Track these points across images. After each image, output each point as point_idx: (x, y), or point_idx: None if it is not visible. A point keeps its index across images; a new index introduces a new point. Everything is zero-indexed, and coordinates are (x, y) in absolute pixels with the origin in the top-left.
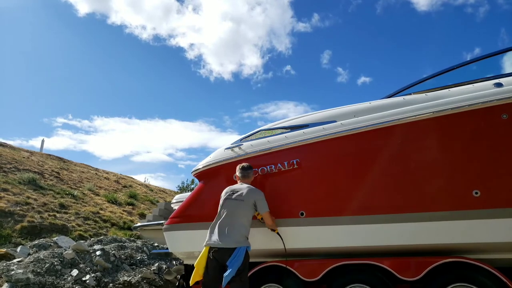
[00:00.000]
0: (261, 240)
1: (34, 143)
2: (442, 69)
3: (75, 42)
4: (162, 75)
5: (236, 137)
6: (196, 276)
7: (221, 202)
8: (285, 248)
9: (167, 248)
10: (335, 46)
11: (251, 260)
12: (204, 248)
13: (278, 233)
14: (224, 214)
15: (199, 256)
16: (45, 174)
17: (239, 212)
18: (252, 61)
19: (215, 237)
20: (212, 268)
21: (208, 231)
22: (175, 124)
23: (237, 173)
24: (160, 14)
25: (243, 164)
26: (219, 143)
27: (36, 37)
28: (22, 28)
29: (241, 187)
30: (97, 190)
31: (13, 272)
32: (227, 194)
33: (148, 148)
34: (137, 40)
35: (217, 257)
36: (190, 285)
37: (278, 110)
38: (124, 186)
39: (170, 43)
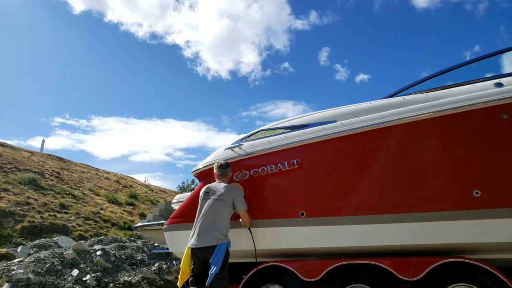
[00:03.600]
0: (261, 240)
1: (32, 143)
2: (441, 67)
3: (71, 41)
4: (159, 74)
5: (234, 136)
6: (184, 276)
7: (200, 202)
8: (255, 248)
9: (167, 248)
10: (333, 43)
11: (251, 260)
12: (187, 248)
13: (250, 230)
14: (204, 214)
15: (183, 258)
16: (46, 174)
17: (219, 211)
18: (250, 59)
19: (197, 237)
20: (196, 266)
21: (191, 231)
22: (173, 124)
23: (215, 171)
24: (157, 12)
25: (220, 162)
26: (217, 142)
27: (32, 35)
28: (17, 27)
29: (219, 186)
30: (97, 190)
31: (13, 272)
32: (205, 194)
33: (147, 147)
34: (133, 38)
35: (200, 256)
36: (179, 287)
37: (276, 110)
38: (125, 186)
39: (166, 40)
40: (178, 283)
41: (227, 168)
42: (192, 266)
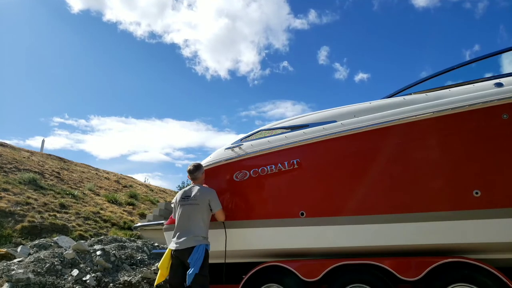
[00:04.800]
0: (261, 240)
1: (31, 143)
2: (441, 66)
3: (70, 40)
4: (158, 73)
5: (233, 136)
6: (160, 277)
7: (176, 207)
8: (225, 249)
9: (167, 248)
10: (332, 42)
11: (252, 260)
12: (167, 250)
13: (225, 229)
14: (182, 219)
15: (162, 259)
16: (46, 174)
17: (195, 215)
18: (249, 58)
19: (176, 240)
20: (176, 266)
21: (172, 235)
22: (172, 124)
23: (188, 176)
24: (155, 11)
25: (189, 167)
26: (216, 142)
27: (30, 35)
28: (15, 26)
29: (193, 189)
30: (97, 190)
31: (13, 272)
32: (182, 199)
33: (146, 147)
34: (132, 37)
35: (179, 256)
36: (155, 286)
37: (275, 109)
38: (125, 186)
39: (165, 39)
40: (154, 283)
41: (195, 172)
42: (169, 268)
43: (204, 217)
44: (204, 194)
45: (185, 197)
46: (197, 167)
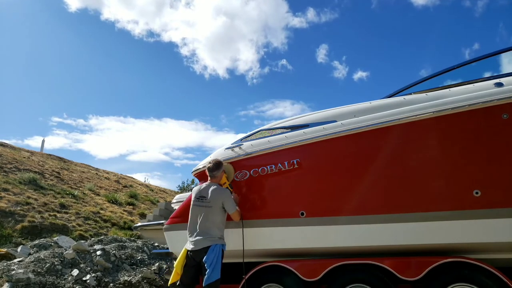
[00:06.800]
0: (262, 240)
1: (30, 143)
2: (440, 65)
3: (68, 39)
4: (156, 72)
5: (232, 136)
6: (175, 276)
7: (191, 207)
8: (243, 249)
9: (167, 248)
10: (331, 40)
11: (251, 260)
12: (183, 249)
13: (242, 230)
14: (196, 220)
15: (178, 258)
16: (46, 174)
17: (209, 217)
18: (248, 57)
19: (192, 241)
20: (190, 266)
21: (187, 235)
22: (171, 123)
23: (207, 173)
24: (153, 9)
25: (209, 165)
26: (215, 142)
27: (27, 34)
28: (12, 25)
29: (208, 190)
30: (97, 190)
31: (13, 272)
32: (196, 199)
33: (144, 147)
34: (130, 36)
35: (194, 256)
36: (168, 285)
37: (274, 109)
38: (125, 186)
39: (163, 38)
40: (168, 282)
41: (215, 171)
42: (183, 267)
43: (218, 219)
44: (218, 197)
45: (200, 197)
46: (218, 165)
